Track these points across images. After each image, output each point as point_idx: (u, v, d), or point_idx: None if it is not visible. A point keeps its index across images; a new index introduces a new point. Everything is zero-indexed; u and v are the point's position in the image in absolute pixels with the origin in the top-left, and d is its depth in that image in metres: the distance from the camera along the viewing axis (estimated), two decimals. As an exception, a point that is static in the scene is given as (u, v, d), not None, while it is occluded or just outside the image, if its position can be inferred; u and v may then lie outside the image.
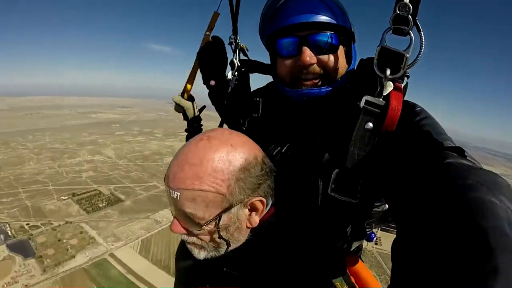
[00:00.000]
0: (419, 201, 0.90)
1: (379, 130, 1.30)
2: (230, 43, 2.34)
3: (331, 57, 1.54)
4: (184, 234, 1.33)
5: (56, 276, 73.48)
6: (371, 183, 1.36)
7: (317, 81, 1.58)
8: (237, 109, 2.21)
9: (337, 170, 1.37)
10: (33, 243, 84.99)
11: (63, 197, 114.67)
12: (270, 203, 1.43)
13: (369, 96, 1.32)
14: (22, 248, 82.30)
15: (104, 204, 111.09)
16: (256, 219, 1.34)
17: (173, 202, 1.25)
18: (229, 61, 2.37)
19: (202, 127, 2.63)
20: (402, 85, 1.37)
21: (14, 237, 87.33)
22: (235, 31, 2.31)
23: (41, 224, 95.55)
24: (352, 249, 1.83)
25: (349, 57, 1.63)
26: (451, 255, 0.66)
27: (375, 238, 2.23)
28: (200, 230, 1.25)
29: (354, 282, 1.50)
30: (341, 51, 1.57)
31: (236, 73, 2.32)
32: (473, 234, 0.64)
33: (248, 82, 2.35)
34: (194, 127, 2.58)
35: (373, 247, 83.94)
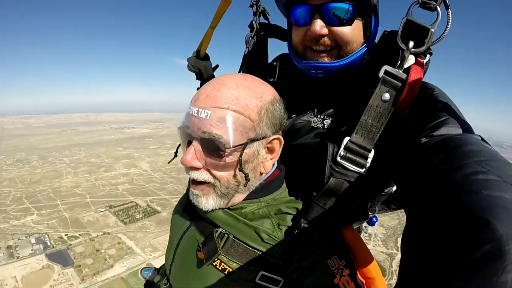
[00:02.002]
0: (430, 197, 0.87)
1: (395, 102, 1.30)
2: (252, 5, 2.38)
3: (345, 30, 1.50)
4: (197, 168, 1.27)
5: (95, 284, 75.64)
6: (380, 157, 1.36)
7: (327, 54, 1.57)
8: (252, 71, 2.16)
9: (348, 137, 1.36)
10: (71, 253, 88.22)
11: (100, 209, 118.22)
12: (274, 166, 1.49)
13: (389, 67, 1.30)
14: (61, 258, 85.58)
15: (141, 216, 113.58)
16: (269, 164, 1.35)
17: (198, 124, 1.20)
18: (248, 23, 2.42)
19: None
20: (424, 61, 1.35)
21: (53, 247, 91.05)
22: None
23: (79, 234, 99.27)
24: None
25: (367, 31, 1.58)
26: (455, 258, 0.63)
27: (376, 222, 2.30)
28: (221, 161, 1.22)
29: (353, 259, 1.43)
30: (358, 24, 1.53)
31: (254, 36, 2.36)
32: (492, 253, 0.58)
33: (266, 47, 2.42)
34: None
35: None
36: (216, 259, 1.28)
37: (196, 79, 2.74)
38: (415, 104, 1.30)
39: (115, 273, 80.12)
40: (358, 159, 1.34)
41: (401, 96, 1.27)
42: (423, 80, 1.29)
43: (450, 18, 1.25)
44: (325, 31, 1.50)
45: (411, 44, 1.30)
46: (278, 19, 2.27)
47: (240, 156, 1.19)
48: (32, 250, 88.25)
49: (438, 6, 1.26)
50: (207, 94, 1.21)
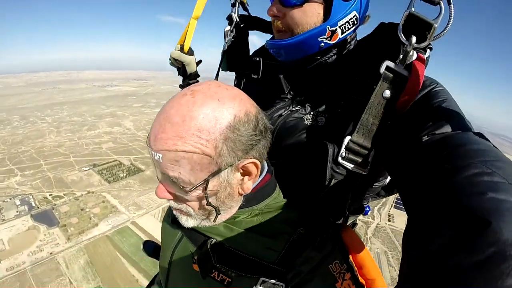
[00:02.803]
0: (434, 197, 0.85)
1: (396, 100, 1.27)
2: None
3: (295, 12, 1.48)
4: (171, 199, 1.24)
5: (80, 243, 76.80)
6: (380, 156, 1.33)
7: (282, 34, 1.58)
8: (233, 68, 2.21)
9: (349, 137, 1.32)
10: (56, 213, 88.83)
11: (84, 168, 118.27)
12: (266, 167, 1.38)
13: (390, 62, 1.27)
14: (46, 218, 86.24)
15: (124, 174, 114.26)
16: (249, 185, 1.23)
17: (157, 165, 1.15)
18: (227, 16, 2.24)
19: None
20: (425, 57, 1.31)
21: (38, 207, 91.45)
22: None
23: (63, 194, 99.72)
24: (347, 224, 1.76)
25: (328, 12, 1.49)
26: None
27: (369, 212, 2.25)
28: (187, 196, 1.16)
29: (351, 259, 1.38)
30: (312, 6, 1.47)
31: (234, 30, 2.19)
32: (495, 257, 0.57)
33: (247, 40, 2.25)
34: (190, 84, 2.38)
35: (386, 223, 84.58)
36: (213, 271, 1.24)
37: (178, 75, 2.50)
38: (416, 102, 1.28)
39: (100, 232, 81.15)
40: (359, 159, 1.32)
41: (403, 94, 1.25)
42: (423, 78, 1.25)
43: (452, 13, 1.21)
44: (276, 12, 1.51)
45: (414, 39, 1.25)
46: (258, 10, 2.21)
47: (204, 192, 1.13)
48: (17, 211, 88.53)
49: (441, 1, 1.22)
50: (155, 134, 1.10)
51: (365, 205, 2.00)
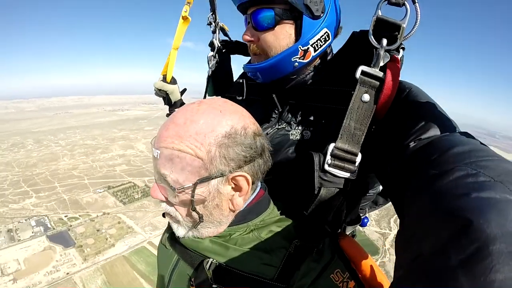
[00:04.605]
0: (421, 202, 0.87)
1: (376, 102, 1.30)
2: (209, 23, 2.30)
3: (267, 35, 1.54)
4: (163, 201, 1.26)
5: (97, 264, 78.14)
6: (368, 160, 1.35)
7: (257, 58, 1.64)
8: (218, 92, 2.30)
9: (333, 143, 1.33)
10: (72, 234, 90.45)
11: (99, 190, 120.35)
12: (257, 189, 1.38)
13: (365, 67, 1.30)
14: (62, 239, 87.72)
15: (139, 196, 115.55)
16: (239, 201, 1.24)
17: (154, 163, 1.20)
18: (208, 42, 2.36)
19: None
20: (399, 57, 1.35)
21: (54, 228, 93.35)
22: (213, 10, 2.25)
23: (79, 215, 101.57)
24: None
25: (298, 32, 1.54)
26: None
27: (368, 223, 2.31)
28: (175, 198, 1.18)
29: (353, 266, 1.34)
30: (284, 27, 1.53)
31: (216, 55, 2.30)
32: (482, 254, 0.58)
33: (230, 64, 2.36)
34: None
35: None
36: None
37: (164, 104, 2.65)
38: (396, 105, 1.30)
39: (116, 252, 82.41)
40: (346, 165, 1.32)
41: (381, 95, 1.27)
42: (399, 77, 1.30)
43: (419, 11, 1.26)
44: (249, 37, 1.59)
45: (385, 41, 1.30)
46: (239, 34, 2.25)
47: (192, 196, 1.14)
48: (32, 232, 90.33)
49: (406, 1, 1.27)
50: (159, 133, 1.19)
51: (362, 216, 2.10)
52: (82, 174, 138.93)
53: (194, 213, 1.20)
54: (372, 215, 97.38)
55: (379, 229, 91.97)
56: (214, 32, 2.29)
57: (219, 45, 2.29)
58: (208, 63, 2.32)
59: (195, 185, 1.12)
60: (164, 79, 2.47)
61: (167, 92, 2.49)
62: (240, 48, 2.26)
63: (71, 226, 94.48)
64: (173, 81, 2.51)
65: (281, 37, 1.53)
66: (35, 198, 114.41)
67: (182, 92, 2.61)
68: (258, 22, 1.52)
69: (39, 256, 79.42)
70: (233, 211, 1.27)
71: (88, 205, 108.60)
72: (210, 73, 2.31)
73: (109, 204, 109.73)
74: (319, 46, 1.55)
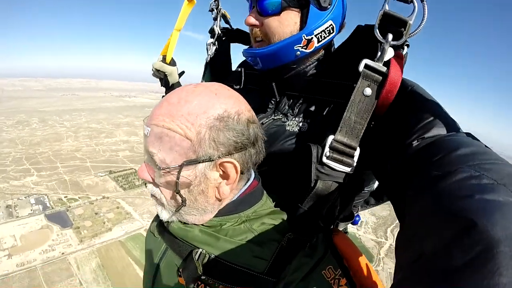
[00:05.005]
0: (423, 204, 0.86)
1: (377, 97, 1.29)
2: (211, 10, 2.29)
3: (271, 20, 1.53)
4: (149, 182, 1.24)
5: (93, 246, 78.53)
6: (365, 156, 1.35)
7: (260, 43, 1.62)
8: (216, 79, 2.19)
9: (332, 136, 1.32)
10: (70, 215, 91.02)
11: (100, 174, 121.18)
12: (253, 174, 1.38)
13: (368, 60, 1.29)
14: (60, 219, 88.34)
15: (140, 182, 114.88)
16: (226, 190, 1.21)
17: (144, 141, 1.19)
18: (209, 29, 2.35)
19: None
20: (403, 53, 1.36)
21: (52, 208, 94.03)
22: None
23: (78, 197, 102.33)
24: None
25: (303, 21, 1.54)
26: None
27: (360, 221, 2.34)
28: (160, 178, 1.17)
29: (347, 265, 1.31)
30: (288, 14, 1.52)
31: (216, 42, 2.30)
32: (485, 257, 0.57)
33: (229, 52, 2.36)
34: None
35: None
36: (198, 283, 1.19)
37: (161, 86, 2.60)
38: (398, 102, 1.29)
39: (113, 236, 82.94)
40: (344, 158, 1.31)
41: (383, 90, 1.26)
42: (402, 74, 1.29)
43: (426, 9, 1.25)
44: (253, 21, 1.56)
45: (390, 36, 1.29)
46: (240, 23, 2.19)
47: (177, 178, 1.13)
48: (31, 210, 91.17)
49: None
50: (152, 111, 1.19)
51: (355, 214, 2.05)
52: (85, 156, 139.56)
53: (178, 197, 1.18)
54: (370, 223, 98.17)
55: (375, 237, 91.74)
56: (215, 19, 2.29)
57: (220, 32, 2.29)
58: (207, 50, 2.33)
59: (181, 166, 1.10)
60: (164, 60, 2.44)
61: (166, 73, 2.45)
62: (240, 36, 2.26)
63: (70, 207, 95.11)
64: (173, 63, 2.48)
65: (286, 23, 1.52)
66: (36, 176, 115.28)
67: (180, 74, 2.58)
68: (264, 6, 1.50)
69: (36, 234, 79.99)
70: (219, 200, 1.25)
71: (89, 188, 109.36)
72: (209, 60, 2.32)
73: (109, 188, 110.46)
74: (322, 38, 1.54)
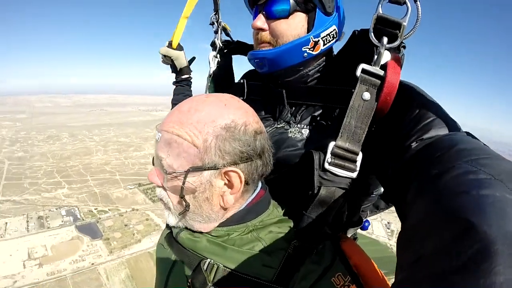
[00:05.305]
0: (421, 202, 0.87)
1: (377, 101, 1.30)
2: (212, 23, 2.34)
3: (279, 24, 1.56)
4: (158, 186, 1.29)
5: (122, 257, 79.57)
6: (369, 160, 1.35)
7: (265, 45, 1.63)
8: (218, 92, 2.13)
9: (333, 142, 1.33)
10: (100, 226, 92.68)
11: (129, 187, 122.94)
12: (260, 184, 1.41)
13: (365, 65, 1.31)
14: (90, 230, 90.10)
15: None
16: (230, 199, 1.24)
17: (155, 147, 1.25)
18: (210, 42, 2.40)
19: (191, 79, 2.67)
20: (400, 56, 1.37)
21: (83, 219, 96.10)
22: (216, 10, 2.30)
23: (108, 209, 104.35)
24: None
25: (310, 24, 1.58)
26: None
27: (369, 227, 2.34)
28: (167, 183, 1.21)
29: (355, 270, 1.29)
30: (296, 17, 1.56)
31: (218, 55, 2.34)
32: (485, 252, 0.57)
33: (231, 65, 2.36)
34: (183, 79, 2.63)
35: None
36: None
37: (172, 72, 2.68)
38: (396, 105, 1.30)
39: (142, 248, 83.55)
40: (346, 163, 1.32)
41: (382, 93, 1.28)
42: (400, 75, 1.30)
43: (420, 10, 1.27)
44: (260, 24, 1.58)
45: (385, 40, 1.31)
46: (240, 35, 2.38)
47: (183, 183, 1.16)
48: (62, 221, 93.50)
49: (407, 0, 1.28)
50: (164, 118, 1.25)
51: (364, 219, 2.05)
52: (114, 170, 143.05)
53: (182, 201, 1.21)
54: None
55: (389, 240, 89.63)
56: (216, 32, 2.33)
57: (221, 45, 2.32)
58: (210, 63, 2.35)
59: (187, 172, 1.14)
60: (170, 46, 2.49)
61: (172, 57, 2.51)
62: (242, 48, 2.25)
63: (100, 218, 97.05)
64: (179, 48, 2.53)
65: (293, 26, 1.56)
66: (67, 189, 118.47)
67: (191, 60, 2.64)
68: (273, 10, 1.55)
69: (66, 245, 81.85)
70: (224, 209, 1.28)
71: (118, 200, 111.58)
72: (211, 72, 2.33)
73: (139, 200, 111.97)
74: (327, 41, 1.59)
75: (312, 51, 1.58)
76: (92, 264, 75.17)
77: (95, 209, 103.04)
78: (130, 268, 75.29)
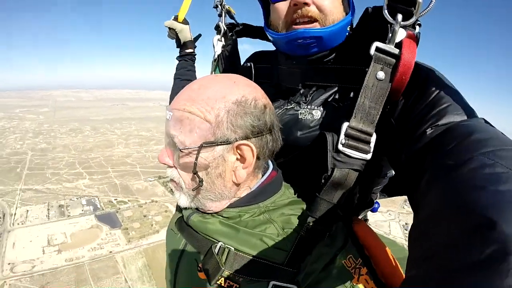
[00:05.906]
0: (437, 194, 0.84)
1: (391, 80, 1.26)
2: (215, 6, 2.29)
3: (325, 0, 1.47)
4: (170, 166, 1.30)
5: (140, 247, 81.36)
6: (382, 141, 1.33)
7: (311, 25, 1.51)
8: None
9: (347, 122, 1.30)
10: (120, 216, 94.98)
11: (149, 179, 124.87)
12: (271, 165, 1.45)
13: (379, 43, 1.27)
14: (109, 219, 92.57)
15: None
16: (242, 173, 1.25)
17: (166, 125, 1.26)
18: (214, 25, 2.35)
19: (195, 55, 2.64)
20: (415, 33, 1.33)
21: (103, 209, 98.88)
22: None
23: (128, 200, 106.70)
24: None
25: (346, 4, 1.57)
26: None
27: (379, 208, 2.30)
28: (180, 160, 1.22)
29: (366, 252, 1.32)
30: None
31: (222, 39, 2.32)
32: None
33: (236, 48, 2.36)
34: (186, 53, 2.59)
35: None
36: (219, 277, 1.20)
37: (176, 47, 2.65)
38: (412, 87, 1.27)
39: (160, 238, 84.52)
40: (360, 145, 1.30)
41: (397, 73, 1.23)
42: (416, 59, 1.24)
43: None
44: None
45: (400, 17, 1.26)
46: (245, 17, 2.28)
47: (196, 159, 1.16)
48: (82, 210, 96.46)
49: None
50: (175, 98, 1.27)
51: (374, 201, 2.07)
52: (135, 162, 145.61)
53: (196, 178, 1.21)
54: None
55: (403, 235, 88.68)
56: (220, 15, 2.31)
57: (225, 28, 2.32)
58: (214, 47, 2.34)
59: (200, 147, 1.14)
60: (175, 19, 2.50)
61: (176, 30, 2.51)
62: (247, 31, 2.31)
63: (119, 209, 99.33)
64: (185, 22, 2.53)
65: (337, 4, 1.52)
66: (88, 179, 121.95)
67: (197, 38, 2.66)
68: None
69: (85, 233, 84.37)
70: (236, 185, 1.28)
71: (138, 192, 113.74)
72: (216, 56, 2.33)
73: (158, 192, 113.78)
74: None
75: (349, 30, 1.59)
76: (110, 252, 77.35)
77: (115, 199, 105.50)
78: (147, 257, 76.90)
